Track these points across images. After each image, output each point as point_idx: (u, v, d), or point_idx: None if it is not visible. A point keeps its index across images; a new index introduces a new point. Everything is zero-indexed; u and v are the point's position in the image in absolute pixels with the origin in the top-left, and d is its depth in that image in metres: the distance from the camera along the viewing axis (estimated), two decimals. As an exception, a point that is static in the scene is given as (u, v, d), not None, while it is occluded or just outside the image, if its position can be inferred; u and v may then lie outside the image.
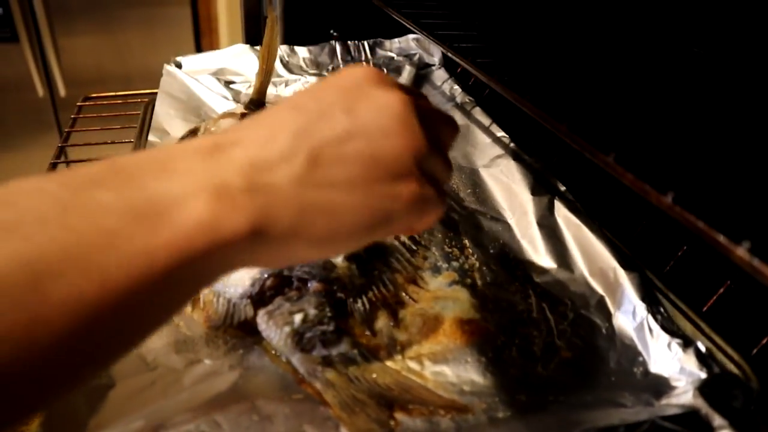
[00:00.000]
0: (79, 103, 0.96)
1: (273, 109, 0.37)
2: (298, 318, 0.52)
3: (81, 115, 0.92)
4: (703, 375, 0.46)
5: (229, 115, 0.80)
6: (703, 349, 0.48)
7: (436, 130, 0.41)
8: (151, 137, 0.81)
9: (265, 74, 0.81)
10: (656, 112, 0.66)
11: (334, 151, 0.35)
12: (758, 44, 0.58)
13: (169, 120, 0.85)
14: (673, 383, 0.47)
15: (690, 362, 0.47)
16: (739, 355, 0.49)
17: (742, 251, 0.39)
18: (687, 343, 0.49)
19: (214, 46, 2.19)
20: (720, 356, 0.49)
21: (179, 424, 0.41)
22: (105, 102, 0.98)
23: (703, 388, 0.44)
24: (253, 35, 1.31)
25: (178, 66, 1.00)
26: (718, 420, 0.41)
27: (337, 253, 0.52)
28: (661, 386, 0.47)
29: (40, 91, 2.09)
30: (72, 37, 2.10)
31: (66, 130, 0.88)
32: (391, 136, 0.37)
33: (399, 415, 0.44)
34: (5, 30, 1.98)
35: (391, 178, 0.37)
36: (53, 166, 0.79)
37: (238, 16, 1.38)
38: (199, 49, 2.20)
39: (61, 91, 2.11)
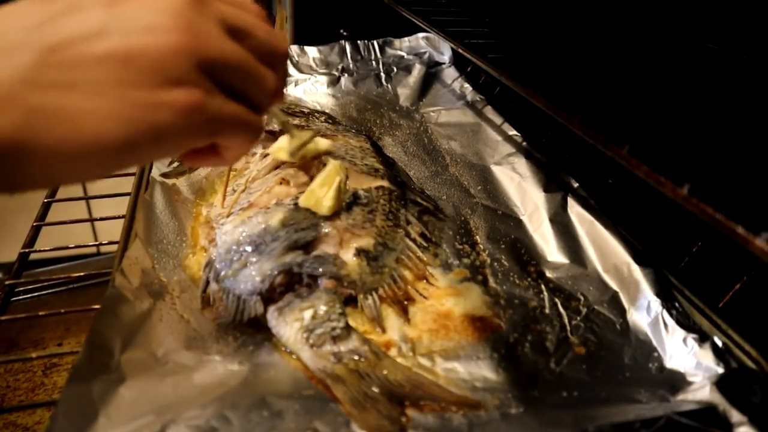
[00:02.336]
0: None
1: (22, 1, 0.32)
2: (308, 314, 0.52)
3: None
4: (720, 370, 0.45)
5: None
6: (719, 343, 0.47)
7: (246, 36, 0.37)
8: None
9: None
10: (670, 105, 0.65)
11: (78, 50, 0.30)
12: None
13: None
14: (690, 378, 0.46)
15: (706, 357, 0.46)
16: (757, 351, 0.48)
17: (761, 242, 0.39)
18: (703, 338, 0.48)
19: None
20: (737, 352, 0.48)
21: (189, 419, 0.41)
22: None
23: (721, 384, 0.43)
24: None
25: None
26: (736, 416, 0.40)
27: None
28: (677, 382, 0.46)
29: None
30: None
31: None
32: (157, 32, 0.32)
33: (410, 412, 0.44)
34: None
35: (157, 84, 0.32)
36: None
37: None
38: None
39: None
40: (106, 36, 0.31)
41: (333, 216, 0.60)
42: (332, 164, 0.61)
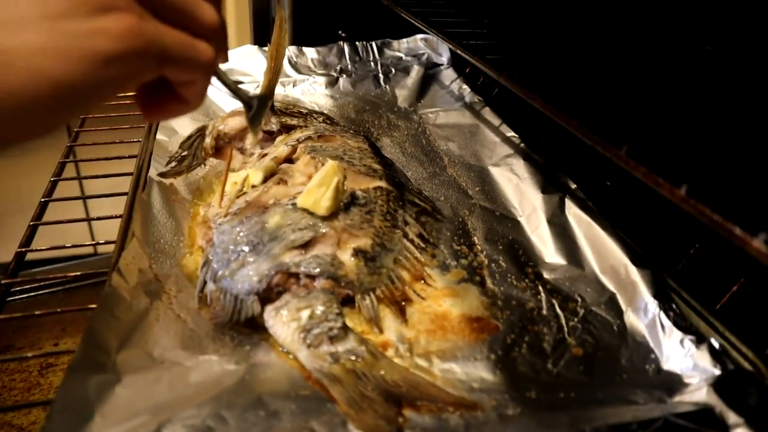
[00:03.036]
0: (88, 103, 0.96)
1: None
2: (305, 314, 0.52)
3: (90, 115, 0.92)
4: (717, 372, 0.45)
5: (237, 113, 0.80)
6: (716, 345, 0.47)
7: None
8: (159, 136, 0.81)
9: (274, 72, 0.81)
10: (668, 106, 0.65)
11: None
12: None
13: (177, 119, 0.85)
14: (687, 380, 0.46)
15: (703, 359, 0.46)
16: (754, 353, 0.48)
17: (758, 243, 0.39)
18: (700, 340, 0.48)
19: (223, 49, 2.19)
20: (734, 354, 0.48)
21: (185, 418, 0.41)
22: (114, 102, 0.98)
23: (718, 385, 0.43)
24: (261, 37, 1.32)
25: (187, 66, 1.00)
26: (733, 417, 0.40)
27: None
28: (674, 383, 0.46)
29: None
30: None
31: (75, 129, 0.88)
32: None
33: (407, 412, 0.44)
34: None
35: (86, 12, 0.30)
36: (62, 166, 0.79)
37: (247, 19, 1.38)
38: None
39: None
40: None
41: (331, 216, 0.60)
42: (330, 164, 0.61)
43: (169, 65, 0.37)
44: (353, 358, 0.48)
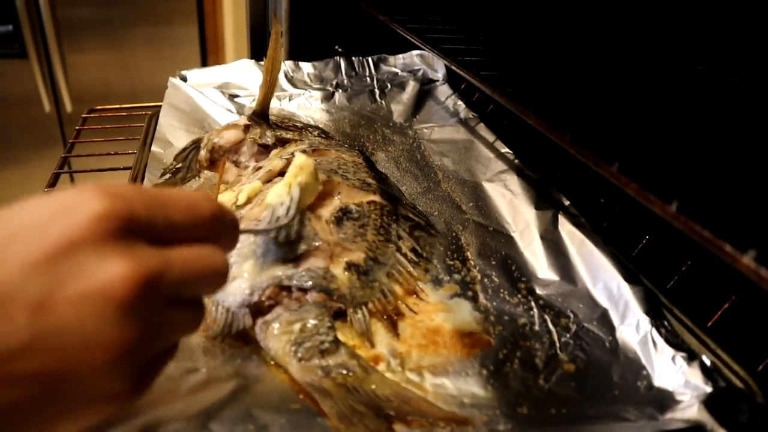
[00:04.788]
0: (84, 115, 0.96)
1: None
2: (296, 328, 0.52)
3: (85, 127, 0.92)
4: (709, 389, 0.45)
5: (232, 126, 0.80)
6: (708, 362, 0.47)
7: (191, 287, 0.33)
8: (154, 148, 0.81)
9: (269, 86, 0.81)
10: (660, 124, 0.65)
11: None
12: (760, 61, 0.58)
13: (172, 131, 0.86)
14: (678, 397, 0.46)
15: (695, 376, 0.46)
16: (745, 370, 0.48)
17: (747, 260, 0.39)
18: (692, 357, 0.48)
19: (220, 63, 2.21)
20: (725, 371, 0.48)
21: (173, 431, 0.41)
22: (110, 114, 0.98)
23: (709, 402, 0.43)
24: (258, 51, 1.33)
25: (183, 79, 1.00)
26: (724, 435, 0.40)
27: None
28: (665, 400, 0.46)
29: (47, 106, 2.11)
30: (80, 54, 2.12)
31: (70, 141, 0.89)
32: (92, 347, 0.27)
33: (398, 427, 0.44)
34: (14, 46, 2.00)
35: (86, 398, 0.28)
36: (56, 176, 0.79)
37: (245, 35, 1.39)
38: (205, 66, 2.22)
39: (68, 106, 2.13)
40: (29, 356, 0.25)
41: (324, 230, 0.60)
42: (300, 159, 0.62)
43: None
44: (344, 372, 0.48)
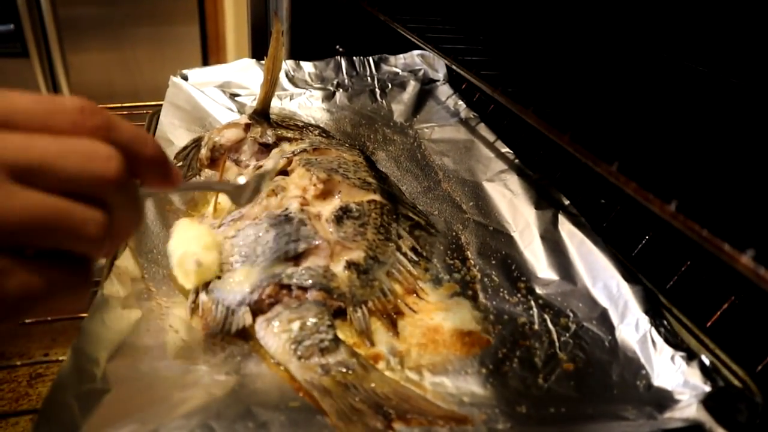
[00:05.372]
0: (84, 114, 0.96)
1: None
2: (296, 326, 0.52)
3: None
4: (708, 388, 0.45)
5: (233, 125, 0.80)
6: (707, 362, 0.47)
7: (45, 173, 0.29)
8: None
9: (270, 85, 0.81)
10: (659, 123, 0.65)
11: None
12: (760, 61, 0.58)
13: (173, 130, 0.86)
14: (677, 397, 0.46)
15: (694, 375, 0.46)
16: (743, 370, 0.48)
17: (746, 259, 0.39)
18: (691, 357, 0.48)
19: (221, 63, 2.20)
20: (724, 371, 0.48)
21: (173, 429, 0.41)
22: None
23: (708, 402, 0.43)
24: (259, 51, 1.32)
25: (184, 78, 1.00)
26: (722, 434, 0.40)
27: None
28: (664, 400, 0.46)
29: (48, 105, 2.11)
30: (81, 54, 2.12)
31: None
32: None
33: (397, 425, 0.44)
34: (16, 45, 2.01)
35: None
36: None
37: (246, 35, 1.39)
38: (206, 66, 2.21)
39: (69, 106, 2.13)
40: None
41: (324, 229, 0.60)
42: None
43: (36, 309, 0.31)
44: (344, 370, 0.48)
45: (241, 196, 0.49)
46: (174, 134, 0.85)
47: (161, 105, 0.92)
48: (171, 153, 0.81)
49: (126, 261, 0.58)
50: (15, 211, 0.28)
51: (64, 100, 0.31)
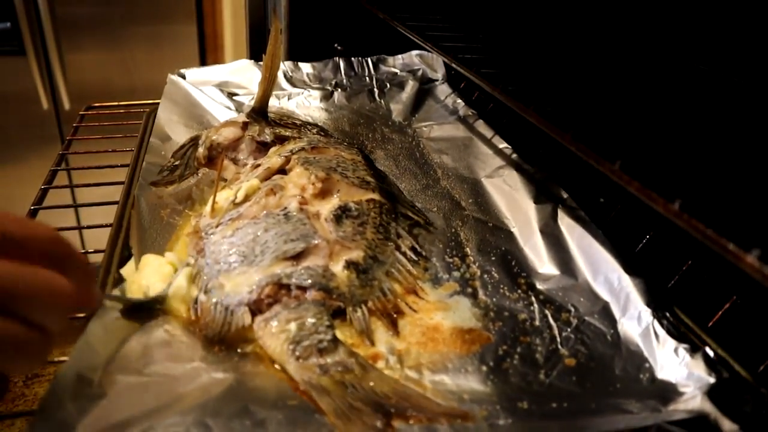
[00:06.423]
0: (81, 112, 0.96)
1: None
2: (295, 326, 0.51)
3: (83, 124, 0.92)
4: (712, 380, 0.45)
5: (231, 123, 0.80)
6: (711, 353, 0.47)
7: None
8: (152, 140, 0.80)
9: (268, 83, 0.81)
10: (661, 122, 0.65)
11: None
12: (762, 60, 0.58)
13: (171, 125, 0.85)
14: (681, 389, 0.45)
15: (698, 367, 0.46)
16: (746, 371, 0.48)
17: (752, 259, 0.38)
18: (694, 349, 0.47)
19: (219, 63, 2.20)
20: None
21: (169, 426, 0.40)
22: (107, 111, 0.98)
23: (712, 393, 0.42)
24: (257, 51, 1.32)
25: (182, 77, 1.00)
26: (728, 425, 0.40)
27: None
28: (668, 392, 0.45)
29: (45, 104, 2.10)
30: (78, 53, 2.12)
31: (67, 138, 0.88)
32: None
33: (397, 423, 0.43)
34: (13, 43, 2.00)
35: None
36: (53, 174, 0.79)
37: (243, 34, 1.39)
38: (204, 65, 2.21)
39: (66, 104, 2.12)
40: None
41: (323, 228, 0.60)
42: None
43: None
44: (342, 370, 0.47)
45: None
46: (172, 129, 0.84)
47: (158, 103, 0.91)
48: (169, 148, 0.80)
49: (128, 268, 0.57)
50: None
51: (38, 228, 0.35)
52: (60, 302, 0.34)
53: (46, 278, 0.34)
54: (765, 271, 0.39)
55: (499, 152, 0.82)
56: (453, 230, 0.69)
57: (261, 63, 1.05)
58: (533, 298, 0.57)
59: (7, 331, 0.31)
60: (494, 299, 0.58)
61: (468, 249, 0.65)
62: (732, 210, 0.46)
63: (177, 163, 0.77)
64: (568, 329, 0.53)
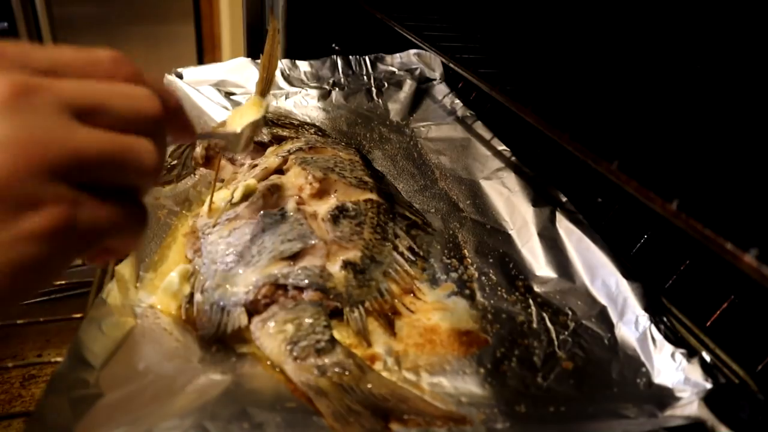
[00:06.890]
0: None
1: None
2: (292, 327, 0.51)
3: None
4: (709, 385, 0.45)
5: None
6: (708, 359, 0.47)
7: (101, 111, 0.31)
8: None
9: (266, 82, 0.80)
10: (659, 121, 0.65)
11: None
12: (761, 59, 0.58)
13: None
14: (678, 394, 0.46)
15: (695, 372, 0.46)
16: (744, 370, 0.48)
17: (750, 258, 0.38)
18: (691, 354, 0.47)
19: (216, 62, 2.20)
20: (725, 371, 0.48)
21: (167, 429, 0.40)
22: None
23: (709, 399, 0.43)
24: (255, 50, 1.32)
25: (179, 77, 1.00)
26: (724, 431, 0.40)
27: None
28: (665, 397, 0.46)
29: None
30: (76, 53, 2.12)
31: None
32: None
33: (394, 426, 0.43)
34: (9, 44, 2.00)
35: (7, 214, 0.27)
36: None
37: (241, 34, 1.38)
38: (201, 65, 2.20)
39: (63, 105, 2.12)
40: None
41: (320, 228, 0.60)
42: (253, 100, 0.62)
43: (103, 243, 0.32)
44: (340, 371, 0.47)
45: (237, 143, 0.55)
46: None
47: (156, 104, 0.91)
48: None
49: (125, 268, 0.57)
50: (80, 145, 0.29)
51: (98, 51, 0.34)
52: (150, 168, 0.33)
53: (136, 144, 0.32)
54: (763, 271, 0.39)
55: (497, 154, 0.82)
56: (451, 232, 0.69)
57: (258, 62, 1.05)
58: (531, 301, 0.57)
59: (113, 212, 0.31)
60: (492, 301, 0.58)
61: (466, 251, 0.65)
62: (730, 209, 0.46)
63: (174, 162, 0.77)
64: (566, 332, 0.53)
